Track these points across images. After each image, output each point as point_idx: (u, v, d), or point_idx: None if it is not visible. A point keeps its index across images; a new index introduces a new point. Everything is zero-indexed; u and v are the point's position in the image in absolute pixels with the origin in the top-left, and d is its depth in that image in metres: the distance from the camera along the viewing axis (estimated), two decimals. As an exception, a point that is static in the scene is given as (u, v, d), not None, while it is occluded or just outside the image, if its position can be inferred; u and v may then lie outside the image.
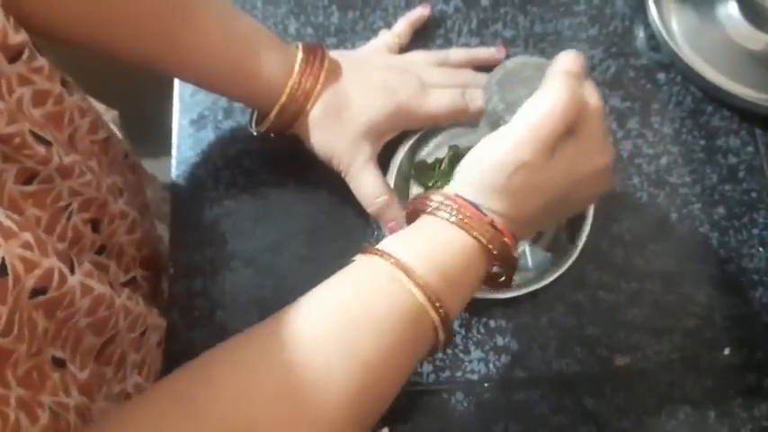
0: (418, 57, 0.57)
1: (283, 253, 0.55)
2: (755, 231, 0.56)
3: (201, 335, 0.52)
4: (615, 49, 0.62)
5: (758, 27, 0.60)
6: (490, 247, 0.40)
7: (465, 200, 0.41)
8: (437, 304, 0.38)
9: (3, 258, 0.32)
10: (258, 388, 0.35)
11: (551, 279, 0.51)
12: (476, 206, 0.41)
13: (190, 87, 0.59)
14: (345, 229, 0.55)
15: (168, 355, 0.51)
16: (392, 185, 0.53)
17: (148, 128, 0.75)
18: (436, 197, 0.42)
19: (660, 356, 0.53)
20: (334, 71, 0.51)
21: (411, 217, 0.44)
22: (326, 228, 0.55)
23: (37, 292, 0.34)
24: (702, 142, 0.59)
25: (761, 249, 0.56)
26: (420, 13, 0.61)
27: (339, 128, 0.51)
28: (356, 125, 0.51)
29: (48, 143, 0.41)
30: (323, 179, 0.55)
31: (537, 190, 0.41)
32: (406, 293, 0.38)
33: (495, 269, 0.44)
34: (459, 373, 0.52)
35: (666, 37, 0.59)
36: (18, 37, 0.39)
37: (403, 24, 0.60)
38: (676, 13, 0.62)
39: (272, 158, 0.57)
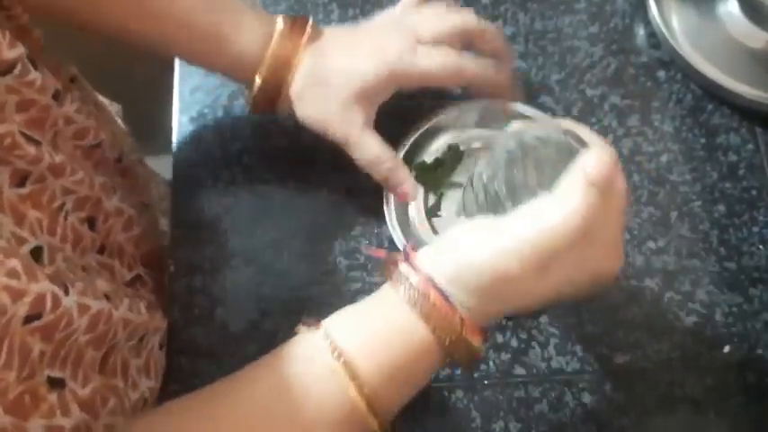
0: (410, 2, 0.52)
1: (283, 251, 0.54)
2: (756, 229, 0.56)
3: (201, 332, 0.52)
4: (615, 47, 0.61)
5: (758, 25, 0.60)
6: (451, 349, 0.37)
7: (436, 287, 0.36)
8: (377, 410, 0.36)
9: None
10: None
11: None
12: (446, 297, 0.36)
13: (189, 85, 0.59)
14: (345, 227, 0.55)
15: (168, 352, 0.51)
16: None
17: (148, 126, 0.75)
18: (406, 270, 0.37)
19: (660, 355, 0.53)
20: (316, 38, 0.49)
21: (386, 266, 0.40)
22: (327, 225, 0.55)
23: (31, 318, 0.33)
24: (703, 140, 0.59)
25: (761, 247, 0.56)
26: None
27: (326, 96, 0.48)
28: (344, 91, 0.48)
29: (37, 142, 0.40)
30: (323, 177, 0.55)
31: (524, 297, 0.37)
32: (344, 396, 0.36)
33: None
34: (458, 371, 0.52)
35: (667, 34, 0.59)
36: (12, 53, 0.39)
37: None
38: (677, 10, 0.62)
39: (272, 156, 0.57)
